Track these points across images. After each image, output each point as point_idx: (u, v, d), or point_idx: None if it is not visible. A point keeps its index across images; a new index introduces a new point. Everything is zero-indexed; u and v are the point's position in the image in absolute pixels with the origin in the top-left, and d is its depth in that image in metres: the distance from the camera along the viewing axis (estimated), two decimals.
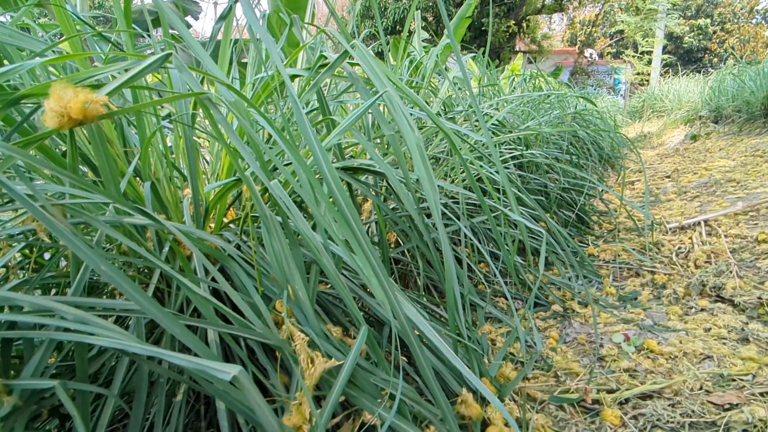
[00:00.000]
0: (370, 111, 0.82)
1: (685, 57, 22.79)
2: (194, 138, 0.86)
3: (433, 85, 1.97)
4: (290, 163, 0.73)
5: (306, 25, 1.40)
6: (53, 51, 0.82)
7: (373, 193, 1.03)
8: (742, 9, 23.04)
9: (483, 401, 0.82)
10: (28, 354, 0.57)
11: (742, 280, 1.51)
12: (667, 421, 0.93)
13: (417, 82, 1.70)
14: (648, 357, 1.17)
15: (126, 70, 0.55)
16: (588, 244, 2.11)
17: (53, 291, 0.86)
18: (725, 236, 1.93)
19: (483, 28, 12.23)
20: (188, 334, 0.50)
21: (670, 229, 2.17)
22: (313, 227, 0.91)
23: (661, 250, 1.94)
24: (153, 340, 0.79)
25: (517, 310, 1.52)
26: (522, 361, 1.16)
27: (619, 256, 1.95)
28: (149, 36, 0.95)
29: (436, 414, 0.73)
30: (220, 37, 1.17)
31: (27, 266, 0.82)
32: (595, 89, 12.95)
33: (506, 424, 0.82)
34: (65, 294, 0.70)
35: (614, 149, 3.89)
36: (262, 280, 0.78)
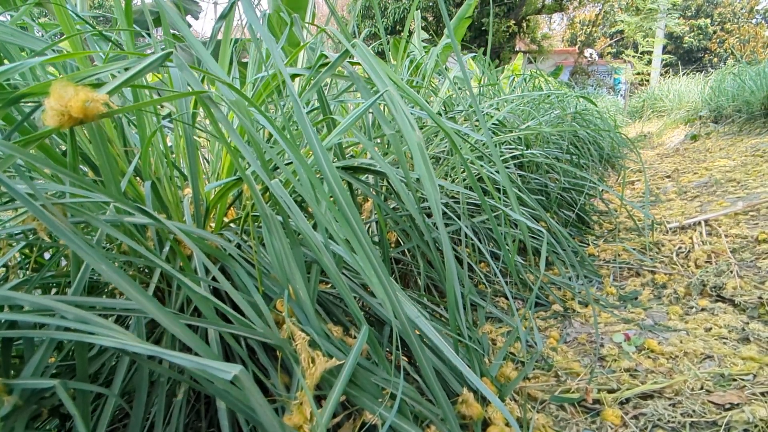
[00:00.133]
0: (370, 110, 0.82)
1: (685, 57, 22.79)
2: (194, 137, 0.85)
3: (433, 84, 1.97)
4: (291, 163, 0.73)
5: (307, 25, 1.40)
6: (53, 50, 0.82)
7: (374, 192, 1.02)
8: (742, 9, 23.04)
9: (484, 401, 0.82)
10: (28, 353, 0.57)
11: (743, 279, 1.51)
12: (668, 421, 0.93)
13: (417, 82, 1.70)
14: (649, 357, 1.17)
15: (126, 69, 0.55)
16: (588, 244, 2.11)
17: (53, 290, 0.86)
18: (726, 236, 1.93)
19: (483, 28, 12.22)
20: (189, 334, 0.50)
21: (671, 228, 2.17)
22: (314, 227, 0.91)
23: (662, 250, 1.94)
24: (153, 339, 0.79)
25: (517, 309, 1.52)
26: (523, 361, 1.16)
27: (619, 255, 1.95)
28: (149, 35, 0.95)
29: (437, 414, 0.73)
30: (220, 36, 1.17)
31: (27, 266, 0.81)
32: (595, 89, 12.95)
33: (507, 424, 0.82)
34: (65, 293, 0.70)
35: (614, 149, 3.89)
36: (262, 279, 0.78)
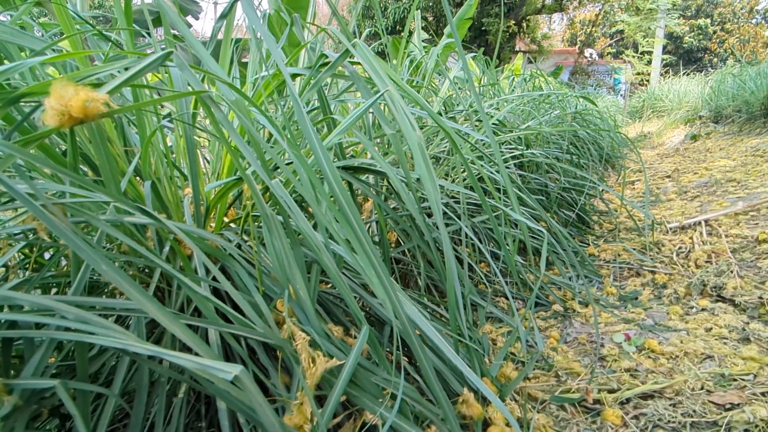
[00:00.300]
0: (371, 110, 0.82)
1: (685, 57, 22.78)
2: (195, 137, 0.85)
3: (433, 84, 1.97)
4: (291, 162, 0.73)
5: (307, 25, 1.40)
6: (53, 50, 0.82)
7: (374, 192, 1.02)
8: (742, 9, 23.04)
9: (484, 401, 0.82)
10: (28, 353, 0.57)
11: (743, 279, 1.51)
12: (669, 421, 0.93)
13: (418, 82, 1.70)
14: (649, 357, 1.17)
15: (126, 69, 0.55)
16: (588, 244, 2.11)
17: (54, 290, 0.86)
18: (726, 236, 1.92)
19: (483, 28, 12.22)
20: (189, 334, 0.50)
21: (671, 228, 2.17)
22: (314, 226, 0.91)
23: (662, 250, 1.94)
24: (154, 339, 0.79)
25: (518, 309, 1.52)
26: (523, 361, 1.15)
27: (619, 255, 1.94)
28: (149, 35, 0.95)
29: (437, 414, 0.73)
30: (220, 36, 1.16)
31: (27, 266, 0.81)
32: (595, 89, 12.94)
33: (507, 424, 0.82)
34: (66, 293, 0.70)
35: (614, 149, 3.88)
36: (263, 279, 0.78)
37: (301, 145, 0.97)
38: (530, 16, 13.29)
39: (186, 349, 0.72)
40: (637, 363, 1.14)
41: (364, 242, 0.59)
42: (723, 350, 1.15)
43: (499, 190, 1.55)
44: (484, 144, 1.62)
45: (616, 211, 2.67)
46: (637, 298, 1.57)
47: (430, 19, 12.43)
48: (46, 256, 0.90)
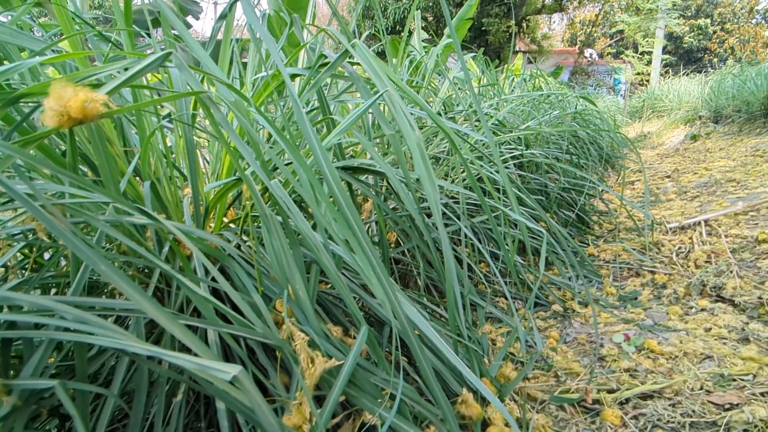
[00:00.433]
0: (370, 111, 0.82)
1: (685, 57, 22.78)
2: (194, 138, 0.85)
3: (433, 85, 1.97)
4: (290, 163, 0.73)
5: (307, 25, 1.40)
6: (52, 50, 0.82)
7: (374, 192, 1.02)
8: (742, 9, 23.04)
9: (483, 401, 0.82)
10: (27, 354, 0.57)
11: (743, 279, 1.51)
12: (668, 421, 0.93)
13: (417, 82, 1.70)
14: (648, 357, 1.17)
15: (126, 69, 0.55)
16: (588, 244, 2.11)
17: (53, 290, 0.86)
18: (725, 236, 1.92)
19: (483, 28, 12.22)
20: (188, 334, 0.50)
21: (671, 229, 2.17)
22: (314, 227, 0.91)
23: (662, 250, 1.94)
24: (153, 339, 0.79)
25: (517, 310, 1.52)
26: (522, 361, 1.15)
27: (619, 256, 1.94)
28: (148, 36, 0.95)
29: (436, 414, 0.73)
30: (220, 36, 1.17)
31: (27, 266, 0.81)
32: (595, 89, 12.95)
33: (506, 424, 0.82)
34: (65, 293, 0.70)
35: (614, 149, 3.88)
36: (262, 279, 0.78)
37: (300, 146, 0.97)
38: (530, 16, 13.30)
39: (185, 349, 0.72)
40: (637, 363, 1.14)
41: (363, 242, 0.59)
42: (722, 350, 1.15)
43: (498, 190, 1.55)
44: (483, 144, 1.62)
45: (616, 211, 2.67)
46: (636, 299, 1.57)
47: (430, 19, 12.43)
48: (46, 256, 0.90)
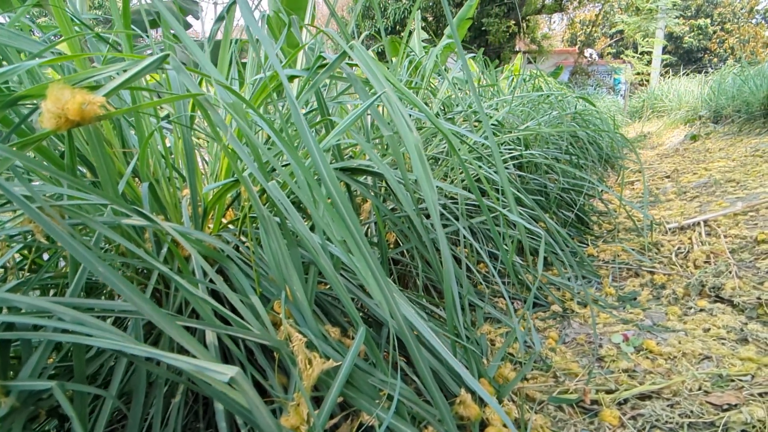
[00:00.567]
0: (368, 112, 0.83)
1: (685, 57, 22.78)
2: (194, 138, 0.86)
3: (432, 85, 1.97)
4: (288, 164, 0.73)
5: (306, 26, 1.41)
6: (51, 52, 0.82)
7: (372, 193, 1.03)
8: (742, 9, 23.04)
9: (482, 402, 0.82)
10: (25, 355, 0.57)
11: (742, 280, 1.51)
12: (666, 422, 0.93)
13: (416, 83, 1.70)
14: (647, 357, 1.17)
15: (124, 71, 0.55)
16: (587, 245, 2.11)
17: (52, 291, 0.86)
18: (725, 236, 1.93)
19: (483, 29, 12.22)
20: (185, 336, 0.50)
21: (670, 229, 2.17)
22: (312, 228, 0.91)
23: (661, 251, 1.94)
24: (152, 340, 0.79)
25: (516, 310, 1.52)
26: (521, 362, 1.16)
27: (618, 256, 1.95)
28: (147, 36, 0.95)
29: (434, 415, 0.73)
30: (219, 37, 1.17)
31: (26, 266, 0.82)
32: (595, 89, 12.95)
33: (505, 425, 0.82)
34: (64, 294, 0.70)
35: (614, 149, 3.88)
36: (260, 280, 0.78)
37: (299, 147, 0.98)
38: (530, 16, 13.30)
39: (183, 350, 0.72)
40: (635, 363, 1.14)
41: (360, 243, 0.59)
42: (721, 351, 1.15)
43: (498, 190, 1.56)
44: (483, 145, 1.63)
45: (616, 211, 2.67)
46: (635, 299, 1.57)
47: (430, 19, 12.43)
48: (45, 257, 0.90)
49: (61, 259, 0.83)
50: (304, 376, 0.58)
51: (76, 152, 0.77)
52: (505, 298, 1.56)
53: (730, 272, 1.57)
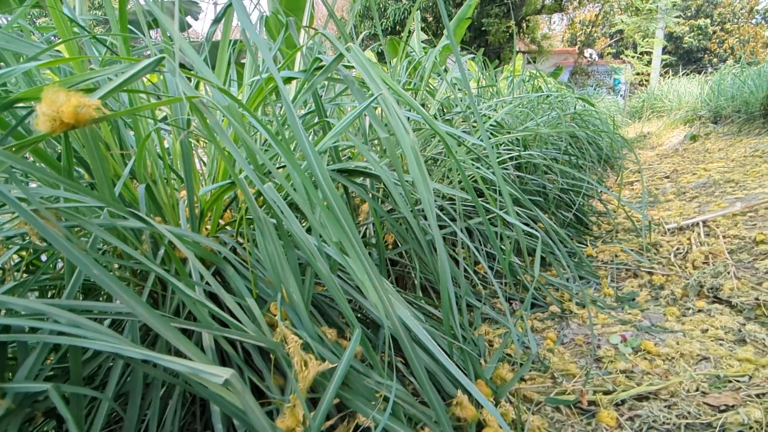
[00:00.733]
0: (365, 113, 0.83)
1: (685, 57, 22.78)
2: (193, 139, 0.86)
3: (432, 86, 1.98)
4: (284, 166, 0.73)
5: (304, 27, 1.41)
6: (49, 54, 0.82)
7: (370, 195, 1.03)
8: (742, 9, 23.03)
9: (479, 403, 0.82)
10: (22, 357, 0.57)
11: (740, 281, 1.51)
12: (663, 423, 0.93)
13: (415, 84, 1.70)
14: (645, 358, 1.17)
15: (120, 74, 0.55)
16: (587, 245, 2.11)
17: (50, 293, 0.86)
18: (723, 237, 1.93)
19: (483, 29, 12.22)
20: (180, 338, 0.50)
21: (669, 229, 2.17)
22: (309, 230, 0.91)
23: (660, 251, 1.94)
24: (149, 342, 0.79)
25: (514, 311, 1.52)
26: (519, 363, 1.16)
27: (617, 256, 1.95)
28: (144, 36, 0.95)
29: (430, 416, 0.73)
30: (217, 38, 1.17)
31: (23, 268, 0.82)
32: (595, 89, 12.94)
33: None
34: (62, 296, 0.70)
35: (613, 150, 3.88)
36: (257, 282, 0.78)
37: (295, 149, 0.98)
38: (530, 16, 13.30)
39: (180, 352, 0.72)
40: (633, 364, 1.14)
41: (356, 246, 0.59)
42: (719, 352, 1.15)
43: (496, 191, 1.56)
44: (481, 146, 1.63)
45: (615, 212, 2.67)
46: (634, 300, 1.57)
47: (430, 19, 12.43)
48: (44, 259, 0.90)
49: (59, 260, 0.83)
50: (299, 378, 0.58)
51: (74, 153, 0.77)
52: (503, 299, 1.56)
53: (729, 273, 1.57)
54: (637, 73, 11.95)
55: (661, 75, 12.56)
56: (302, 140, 0.58)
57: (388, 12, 11.94)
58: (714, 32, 22.84)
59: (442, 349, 0.77)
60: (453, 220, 1.39)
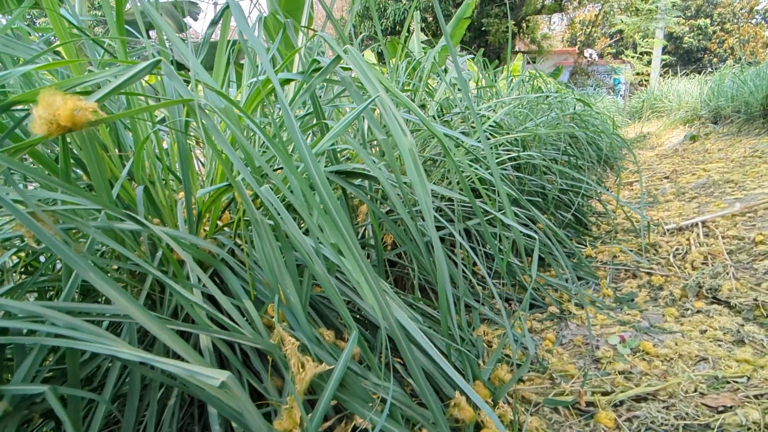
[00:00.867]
0: (363, 115, 0.83)
1: (685, 57, 22.79)
2: (191, 140, 0.86)
3: (431, 86, 1.97)
4: (281, 168, 0.73)
5: (303, 28, 1.41)
6: (47, 57, 0.82)
7: (369, 196, 1.03)
8: (741, 9, 23.03)
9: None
10: (19, 359, 0.57)
11: (739, 281, 1.51)
12: (661, 424, 0.93)
13: (414, 84, 1.70)
14: (643, 359, 1.17)
15: (118, 76, 0.55)
16: (586, 246, 2.11)
17: (49, 294, 0.86)
18: (722, 237, 1.93)
19: (483, 29, 12.23)
20: (177, 340, 0.50)
21: (668, 230, 2.17)
22: (306, 232, 0.91)
23: (659, 252, 1.94)
24: (147, 343, 0.79)
25: (513, 311, 1.52)
26: (518, 364, 1.16)
27: (616, 257, 1.95)
28: (142, 37, 0.95)
29: (428, 418, 0.74)
30: (215, 38, 1.17)
31: (21, 269, 0.82)
32: (594, 89, 12.95)
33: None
34: (60, 297, 0.70)
35: (613, 150, 3.88)
36: (255, 284, 0.78)
37: (294, 151, 0.98)
38: (530, 16, 13.30)
39: (178, 354, 0.72)
40: (632, 365, 1.14)
41: (352, 248, 0.60)
42: (717, 352, 1.15)
43: (494, 192, 1.55)
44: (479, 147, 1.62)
45: (614, 212, 2.67)
46: (633, 300, 1.57)
47: (430, 19, 12.43)
48: (43, 260, 0.90)
49: (57, 261, 0.83)
50: (297, 380, 0.58)
51: (71, 155, 0.78)
52: (504, 300, 1.56)
53: (728, 273, 1.57)
54: (637, 73, 11.95)
55: (660, 75, 12.56)
56: (299, 143, 0.58)
57: (387, 12, 11.94)
58: (714, 32, 22.84)
59: (440, 350, 0.77)
60: (451, 221, 1.40)
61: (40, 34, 1.21)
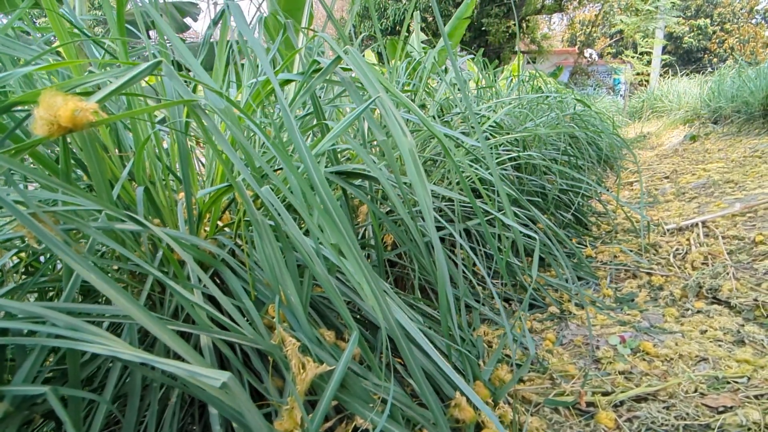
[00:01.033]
0: (363, 116, 0.83)
1: (685, 57, 22.79)
2: (191, 140, 0.86)
3: (431, 86, 1.98)
4: (281, 168, 0.73)
5: (303, 29, 1.41)
6: (48, 58, 0.82)
7: (369, 197, 1.03)
8: (741, 9, 23.03)
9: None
10: (20, 359, 0.57)
11: (739, 281, 1.51)
12: (662, 424, 0.93)
13: (414, 85, 1.70)
14: (644, 359, 1.17)
15: (118, 77, 0.55)
16: (586, 246, 2.11)
17: (50, 294, 0.86)
18: (723, 238, 1.93)
19: (483, 29, 12.23)
20: (177, 341, 0.50)
21: (668, 230, 2.17)
22: (307, 232, 0.91)
23: (659, 252, 1.94)
24: (147, 344, 0.79)
25: (513, 312, 1.52)
26: (518, 364, 1.16)
27: (616, 257, 1.95)
28: (142, 37, 0.95)
29: (428, 418, 0.74)
30: (215, 38, 1.17)
31: (21, 269, 0.82)
32: (594, 89, 12.95)
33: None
34: (61, 298, 0.70)
35: (613, 150, 3.88)
36: (256, 284, 0.78)
37: (294, 151, 0.98)
38: (530, 16, 13.30)
39: (178, 354, 0.72)
40: (632, 365, 1.14)
41: (352, 248, 0.60)
42: (717, 353, 1.15)
43: (494, 192, 1.56)
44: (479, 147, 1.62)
45: (614, 212, 2.67)
46: (633, 300, 1.57)
47: (430, 19, 12.43)
48: (44, 260, 0.90)
49: (58, 261, 0.83)
50: (297, 380, 0.58)
51: (72, 155, 0.78)
52: (504, 300, 1.56)
53: (728, 274, 1.57)
54: (637, 73, 11.95)
55: (660, 75, 12.56)
56: (299, 143, 0.59)
57: (388, 12, 11.95)
58: (714, 32, 22.85)
59: (440, 350, 0.77)
60: (451, 221, 1.40)
61: (41, 34, 1.21)
